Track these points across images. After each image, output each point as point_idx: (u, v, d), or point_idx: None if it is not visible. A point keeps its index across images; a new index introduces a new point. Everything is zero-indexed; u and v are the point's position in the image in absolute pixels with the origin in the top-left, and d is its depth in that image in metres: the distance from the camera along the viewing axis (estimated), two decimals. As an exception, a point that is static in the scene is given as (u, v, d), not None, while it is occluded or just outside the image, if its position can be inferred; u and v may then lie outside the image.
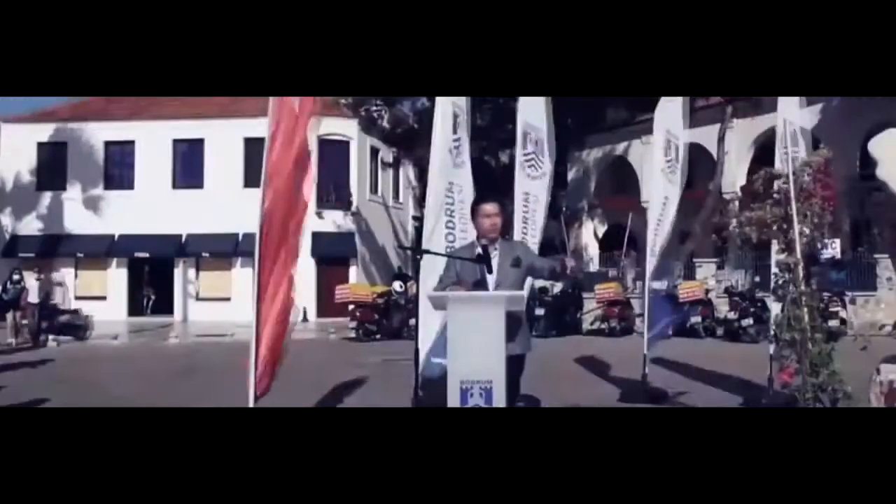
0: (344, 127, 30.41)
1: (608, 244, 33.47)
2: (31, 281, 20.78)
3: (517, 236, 9.69)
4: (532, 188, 10.13)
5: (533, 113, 10.28)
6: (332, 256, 30.53)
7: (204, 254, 31.62)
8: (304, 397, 9.17)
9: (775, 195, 7.52)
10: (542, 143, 10.36)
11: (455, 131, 8.69)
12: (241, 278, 29.61)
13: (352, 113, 30.62)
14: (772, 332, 7.95)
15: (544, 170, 10.39)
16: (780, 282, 7.32)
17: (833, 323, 17.87)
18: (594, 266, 33.70)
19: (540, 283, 21.98)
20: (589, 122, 31.46)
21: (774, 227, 7.47)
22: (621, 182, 34.98)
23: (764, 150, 25.27)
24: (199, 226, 30.75)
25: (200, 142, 32.21)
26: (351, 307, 22.22)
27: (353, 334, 21.79)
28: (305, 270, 26.90)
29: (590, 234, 36.40)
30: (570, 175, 36.37)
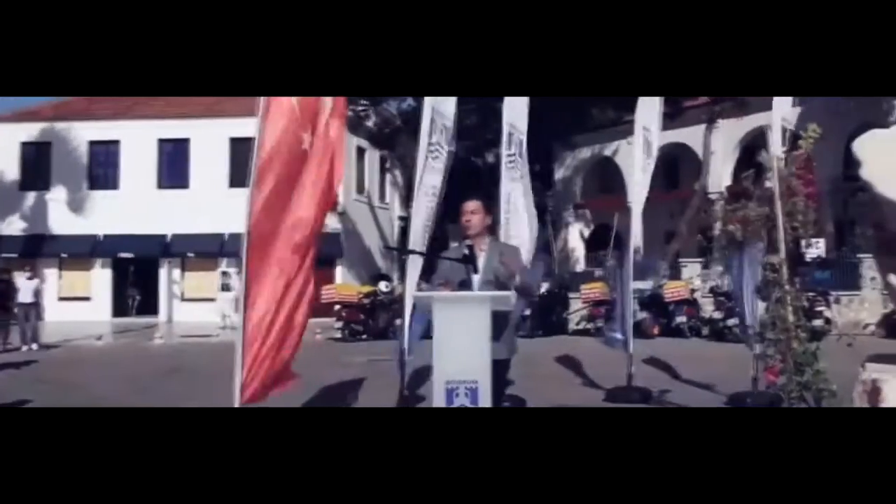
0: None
1: (595, 244, 33.54)
2: (21, 281, 20.52)
3: (504, 237, 9.68)
4: (513, 190, 10.15)
5: (516, 113, 10.30)
6: (319, 256, 30.37)
7: (189, 254, 31.48)
8: (289, 397, 9.14)
9: (758, 194, 7.55)
10: (522, 144, 10.39)
11: (432, 136, 8.73)
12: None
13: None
14: (757, 332, 7.98)
15: (522, 171, 10.43)
16: (765, 281, 7.34)
17: (818, 322, 17.94)
18: (580, 266, 33.77)
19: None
20: (576, 122, 31.53)
21: (759, 228, 7.49)
22: (608, 182, 35.08)
23: (749, 151, 25.39)
24: (185, 226, 30.59)
25: (186, 141, 32.01)
26: (337, 307, 22.20)
27: (339, 334, 21.78)
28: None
29: (576, 234, 36.48)
30: (557, 175, 36.43)
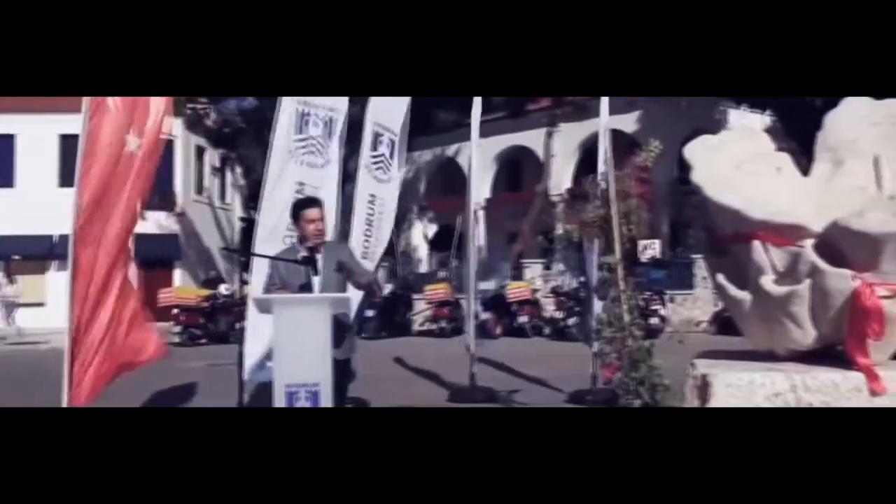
0: (167, 125, 29.31)
1: (438, 245, 33.81)
2: None
3: (357, 238, 9.58)
4: (379, 191, 10.03)
5: (388, 114, 10.17)
6: (155, 259, 29.49)
7: (14, 257, 29.87)
8: (123, 402, 8.80)
9: (597, 198, 7.76)
10: (395, 145, 10.28)
11: (300, 131, 8.51)
12: (57, 282, 28.15)
13: (176, 111, 29.66)
14: (595, 330, 8.19)
15: (392, 174, 10.33)
16: (602, 281, 7.55)
17: (654, 320, 18.64)
18: (424, 267, 33.99)
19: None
20: (418, 123, 31.69)
21: (595, 229, 7.70)
22: (451, 183, 35.41)
23: (589, 154, 26.12)
24: (10, 227, 28.96)
25: (11, 138, 30.40)
26: (175, 311, 21.57)
27: (177, 339, 21.15)
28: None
29: (419, 235, 36.67)
30: (400, 176, 36.51)
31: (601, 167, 9.02)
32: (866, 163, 4.10)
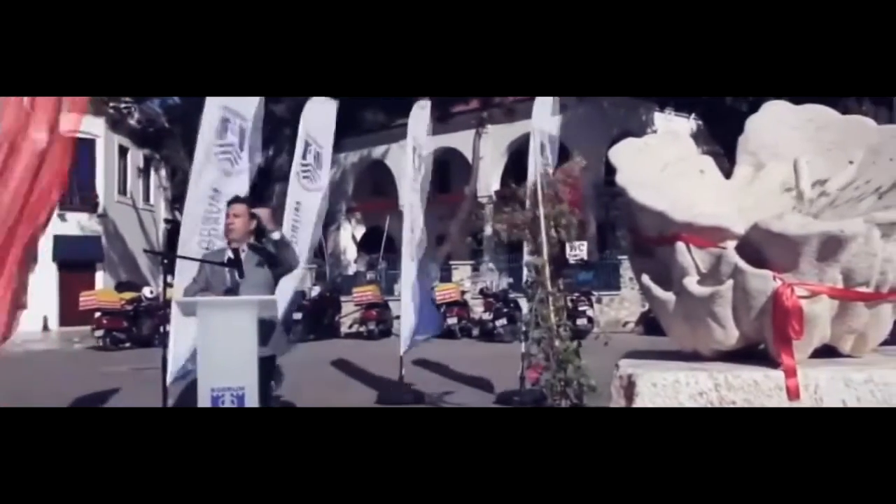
0: (89, 124, 28.67)
1: (367, 247, 33.68)
2: None
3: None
4: (304, 199, 9.98)
5: (317, 126, 10.13)
6: (76, 261, 28.82)
7: None
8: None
9: (527, 200, 7.81)
10: (322, 156, 10.28)
11: (223, 136, 8.34)
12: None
13: (97, 109, 28.98)
14: (522, 331, 8.26)
15: (320, 184, 10.29)
16: (530, 282, 7.60)
17: (581, 321, 18.82)
18: (352, 269, 33.84)
19: (297, 286, 21.75)
20: (346, 124, 31.53)
21: (525, 230, 7.75)
22: (379, 185, 35.32)
23: (517, 156, 26.29)
24: None
25: None
26: (97, 314, 21.07)
27: (99, 343, 20.69)
28: (45, 276, 25.25)
29: (347, 236, 36.49)
30: (329, 177, 36.31)
31: (531, 172, 9.10)
32: (786, 166, 4.19)
